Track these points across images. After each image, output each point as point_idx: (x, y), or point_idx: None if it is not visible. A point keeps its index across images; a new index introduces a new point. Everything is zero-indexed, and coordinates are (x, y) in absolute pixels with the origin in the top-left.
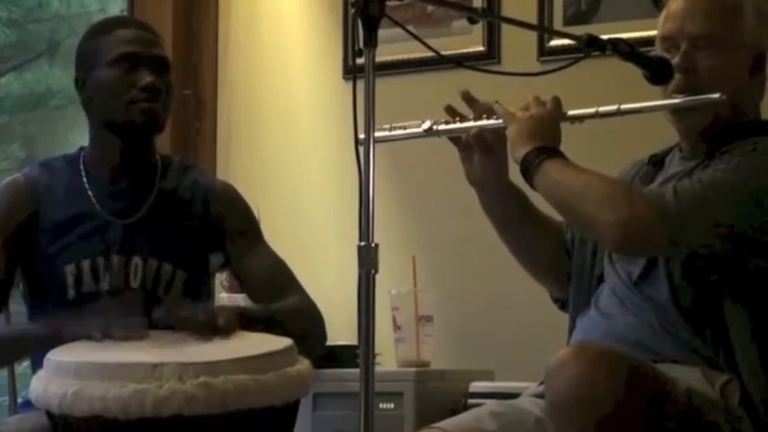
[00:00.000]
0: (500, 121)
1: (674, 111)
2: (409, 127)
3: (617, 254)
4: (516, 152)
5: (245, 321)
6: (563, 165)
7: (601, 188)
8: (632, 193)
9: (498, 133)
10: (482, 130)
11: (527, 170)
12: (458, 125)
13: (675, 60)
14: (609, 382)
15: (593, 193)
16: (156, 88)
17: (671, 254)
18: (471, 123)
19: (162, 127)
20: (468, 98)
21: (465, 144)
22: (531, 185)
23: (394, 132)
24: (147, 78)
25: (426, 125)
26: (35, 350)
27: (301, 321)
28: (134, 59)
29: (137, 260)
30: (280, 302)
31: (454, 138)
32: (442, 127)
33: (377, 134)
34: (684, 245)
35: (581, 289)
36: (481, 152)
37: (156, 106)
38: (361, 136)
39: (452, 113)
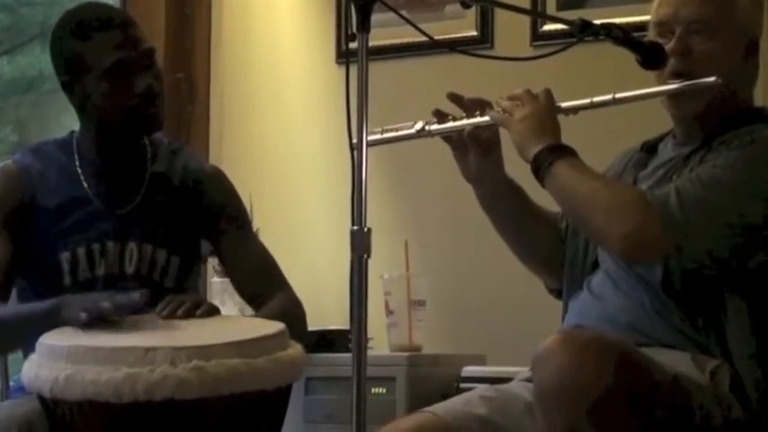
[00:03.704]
0: None
1: (670, 96)
2: (401, 129)
3: (624, 262)
4: (526, 154)
5: None
6: (572, 167)
7: (608, 197)
8: (638, 202)
9: (492, 129)
10: (476, 128)
11: (538, 170)
12: (450, 124)
13: (670, 45)
14: (596, 370)
15: (601, 202)
16: (154, 93)
17: (677, 259)
18: (464, 122)
19: (162, 123)
20: (455, 99)
21: (458, 142)
22: (542, 185)
23: (386, 135)
24: (142, 84)
25: (419, 126)
26: (35, 329)
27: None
28: (125, 64)
29: (132, 246)
30: (264, 306)
31: (446, 137)
32: (435, 127)
33: (369, 138)
34: (690, 251)
35: (574, 276)
36: (477, 150)
37: (157, 110)
38: (354, 141)
39: (441, 116)
